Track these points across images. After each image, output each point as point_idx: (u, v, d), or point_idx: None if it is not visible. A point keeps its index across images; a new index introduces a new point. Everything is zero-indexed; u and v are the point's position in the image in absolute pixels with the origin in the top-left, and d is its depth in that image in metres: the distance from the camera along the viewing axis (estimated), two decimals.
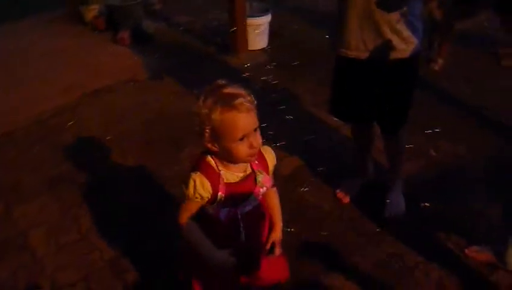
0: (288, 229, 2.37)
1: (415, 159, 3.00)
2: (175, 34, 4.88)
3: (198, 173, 1.58)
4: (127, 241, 2.58)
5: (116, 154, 3.21)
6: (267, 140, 3.12)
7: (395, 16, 2.07)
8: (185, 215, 1.69)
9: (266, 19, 4.40)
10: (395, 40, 2.12)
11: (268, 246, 1.81)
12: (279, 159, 2.98)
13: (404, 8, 2.07)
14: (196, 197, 1.60)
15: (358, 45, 2.17)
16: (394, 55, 2.16)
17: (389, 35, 2.11)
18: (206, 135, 1.52)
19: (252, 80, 3.97)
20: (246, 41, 4.35)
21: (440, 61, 4.02)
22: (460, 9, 3.68)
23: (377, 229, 2.58)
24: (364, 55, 2.18)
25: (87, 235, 2.63)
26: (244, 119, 1.48)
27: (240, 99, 1.47)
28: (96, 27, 5.10)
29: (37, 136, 3.47)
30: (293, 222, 2.52)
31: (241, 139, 1.50)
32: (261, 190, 1.70)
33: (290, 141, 3.19)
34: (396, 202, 2.66)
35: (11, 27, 5.19)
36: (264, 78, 3.98)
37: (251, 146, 1.52)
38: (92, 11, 5.15)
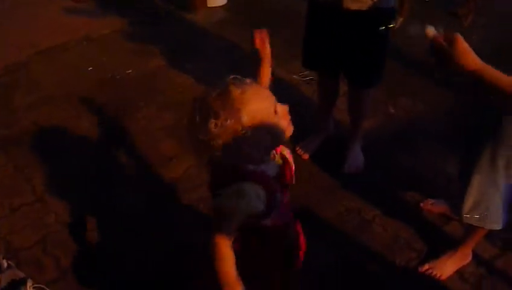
0: None
1: (373, 115, 3.01)
2: None
3: (246, 182, 1.29)
4: (83, 203, 2.53)
5: (70, 115, 3.10)
6: None
7: None
8: (226, 243, 1.26)
9: None
10: None
11: None
12: None
13: None
14: (247, 213, 1.30)
15: None
16: (357, 5, 2.16)
17: None
18: (245, 146, 1.25)
19: (211, 38, 3.88)
20: None
21: (400, 19, 3.99)
22: None
23: (336, 184, 2.61)
24: (341, 2, 2.17)
25: (42, 197, 2.57)
26: (263, 91, 1.34)
27: (237, 89, 1.25)
28: None
29: None
30: None
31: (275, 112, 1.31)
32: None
33: None
34: (355, 157, 2.69)
35: None
36: (223, 36, 3.90)
37: (284, 113, 1.35)
38: None
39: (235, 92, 1.24)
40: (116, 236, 2.39)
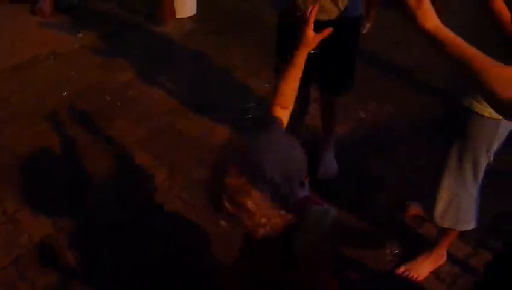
0: None
1: (345, 121, 3.05)
2: (99, 3, 4.65)
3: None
4: (58, 221, 2.49)
5: (40, 132, 3.05)
6: (198, 110, 3.11)
7: None
8: None
9: None
10: (327, 3, 2.16)
11: None
12: (210, 128, 2.98)
13: None
14: None
15: (301, 4, 2.19)
16: (326, 16, 2.19)
17: None
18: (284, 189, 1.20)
19: (181, 48, 3.88)
20: (173, 9, 4.22)
21: (368, 25, 4.06)
22: None
23: (311, 191, 2.61)
24: (303, 15, 2.19)
25: (14, 217, 2.51)
26: (272, 135, 1.30)
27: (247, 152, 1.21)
28: None
29: None
30: None
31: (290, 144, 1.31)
32: None
33: (223, 108, 3.16)
34: (329, 164, 2.72)
35: None
36: (193, 46, 3.90)
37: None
38: None
39: (248, 156, 1.19)
40: (95, 249, 2.36)
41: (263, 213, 1.17)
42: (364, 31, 4.03)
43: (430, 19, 1.16)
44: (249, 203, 1.15)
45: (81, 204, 2.59)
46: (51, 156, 2.89)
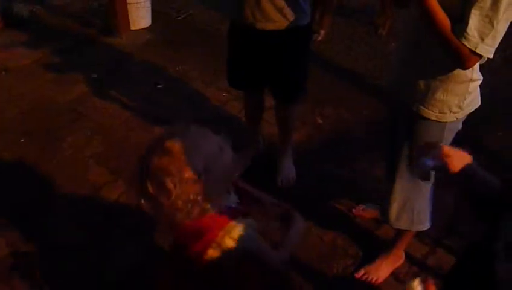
0: None
1: (302, 127, 3.08)
2: (52, 17, 4.54)
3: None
4: (9, 242, 2.40)
5: None
6: (155, 122, 3.07)
7: None
8: None
9: None
10: (272, 12, 2.18)
11: None
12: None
13: None
14: None
15: (249, 14, 2.20)
16: (273, 26, 2.21)
17: (268, 7, 2.16)
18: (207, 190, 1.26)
19: (136, 60, 3.84)
20: (127, 21, 4.16)
21: (322, 32, 4.13)
22: None
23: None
24: (255, 24, 2.23)
25: None
26: (201, 132, 1.36)
27: (175, 141, 1.24)
28: None
29: None
30: None
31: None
32: None
33: (179, 119, 3.12)
34: (287, 170, 2.73)
35: None
36: (148, 58, 3.86)
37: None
38: None
39: (175, 144, 1.22)
40: (54, 270, 2.31)
41: (181, 196, 1.20)
42: (319, 38, 4.11)
43: None
44: (169, 182, 1.19)
45: (38, 225, 2.51)
46: (4, 175, 2.79)
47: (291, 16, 2.19)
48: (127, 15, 4.14)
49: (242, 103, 3.12)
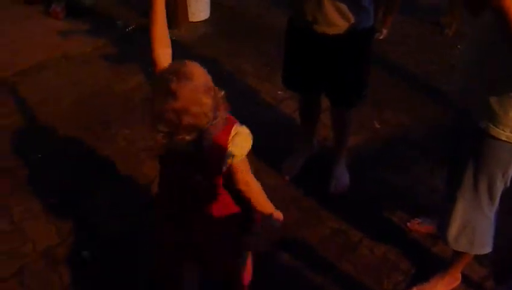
0: None
1: (359, 131, 2.97)
2: (112, 6, 4.62)
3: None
4: (61, 231, 2.45)
5: (48, 137, 3.02)
6: None
7: None
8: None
9: None
10: (335, 16, 2.08)
11: None
12: None
13: None
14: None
15: (310, 17, 2.12)
16: (334, 30, 2.12)
17: (330, 11, 2.06)
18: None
19: (193, 53, 3.82)
20: (186, 13, 4.17)
21: (384, 31, 3.99)
22: None
23: (321, 205, 2.55)
24: (316, 27, 2.14)
25: (20, 225, 2.48)
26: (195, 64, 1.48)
27: (183, 68, 1.40)
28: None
29: None
30: None
31: None
32: None
33: (232, 114, 3.08)
34: (341, 176, 2.64)
35: None
36: (205, 50, 3.84)
37: None
38: None
39: (192, 69, 1.38)
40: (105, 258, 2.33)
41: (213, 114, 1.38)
42: (381, 37, 3.97)
43: None
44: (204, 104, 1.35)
45: (87, 213, 2.55)
46: (57, 163, 2.84)
47: (354, 19, 2.08)
48: (186, 8, 4.15)
49: (297, 102, 3.05)
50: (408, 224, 2.43)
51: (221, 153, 1.48)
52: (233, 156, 1.49)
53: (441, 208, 2.03)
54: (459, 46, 3.64)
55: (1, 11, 4.49)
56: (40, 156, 2.88)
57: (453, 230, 1.89)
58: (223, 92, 1.44)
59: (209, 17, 4.31)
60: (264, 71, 3.53)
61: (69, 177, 2.76)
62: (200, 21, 4.27)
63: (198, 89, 1.34)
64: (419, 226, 2.41)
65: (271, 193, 2.59)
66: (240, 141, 1.49)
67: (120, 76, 3.57)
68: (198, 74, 1.37)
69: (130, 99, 3.34)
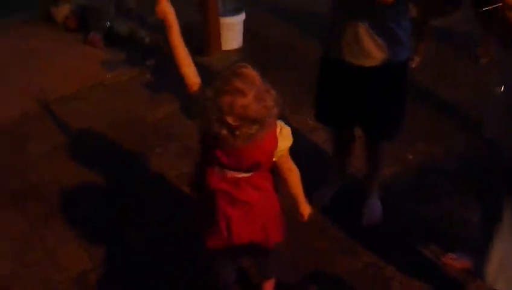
0: None
1: (391, 162, 2.93)
2: (150, 35, 4.73)
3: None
4: (93, 257, 2.48)
5: (84, 165, 3.08)
6: None
7: (377, 25, 2.03)
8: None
9: (240, 18, 4.29)
10: (373, 49, 2.08)
11: None
12: None
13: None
14: None
15: (346, 50, 2.12)
16: (372, 62, 2.11)
17: (368, 45, 2.07)
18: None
19: None
20: (219, 42, 4.24)
21: (417, 59, 3.96)
22: (436, 6, 3.62)
23: (353, 238, 2.51)
24: (352, 60, 2.13)
25: (53, 252, 2.53)
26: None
27: (246, 71, 1.59)
28: (68, 27, 4.92)
29: (3, 145, 3.32)
30: None
31: None
32: None
33: None
34: (374, 208, 2.60)
35: None
36: None
37: None
38: (63, 11, 4.98)
39: (248, 73, 1.56)
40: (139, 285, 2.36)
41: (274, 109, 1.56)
42: (414, 65, 3.93)
43: None
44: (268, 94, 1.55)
45: (120, 239, 2.58)
46: (91, 190, 2.90)
47: (392, 51, 2.08)
48: (219, 36, 4.21)
49: (328, 132, 3.04)
50: (443, 259, 2.37)
51: (272, 146, 1.67)
52: (281, 149, 1.70)
53: (476, 244, 1.98)
54: (494, 78, 3.57)
55: (42, 38, 4.66)
56: (74, 183, 2.95)
57: (491, 268, 1.84)
58: (275, 93, 1.58)
59: (241, 46, 4.37)
60: (295, 100, 3.54)
61: (102, 205, 2.80)
62: (233, 49, 4.33)
63: (260, 88, 1.53)
64: (454, 262, 2.35)
65: (301, 223, 2.59)
66: (286, 135, 1.70)
67: (154, 105, 3.64)
68: (256, 75, 1.56)
69: (163, 128, 3.39)
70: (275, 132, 1.66)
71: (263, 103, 1.51)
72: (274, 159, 1.72)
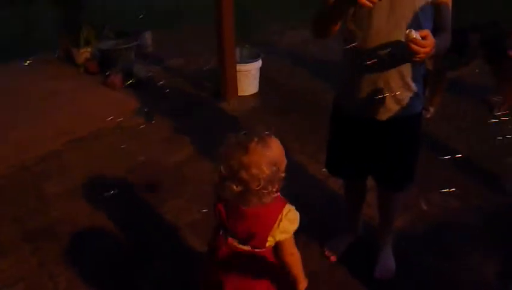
0: None
1: (405, 212, 2.90)
2: (166, 78, 4.86)
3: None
4: None
5: (98, 206, 3.11)
6: None
7: (395, 78, 2.04)
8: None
9: (257, 64, 4.39)
10: (390, 103, 2.09)
11: None
12: None
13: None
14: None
15: (363, 106, 2.13)
16: (388, 115, 2.12)
17: (388, 98, 2.07)
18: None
19: (241, 126, 3.91)
20: (236, 87, 4.33)
21: (431, 109, 3.99)
22: (451, 58, 3.67)
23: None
24: (363, 114, 2.15)
25: None
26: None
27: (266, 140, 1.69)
28: (88, 70, 5.08)
29: (21, 184, 3.37)
30: None
31: None
32: None
33: (281, 193, 3.09)
34: (386, 261, 2.56)
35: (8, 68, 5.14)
36: (250, 124, 3.93)
37: None
38: (84, 54, 5.15)
39: (270, 142, 1.67)
40: None
41: (265, 184, 1.60)
42: (428, 116, 3.96)
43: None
44: (264, 170, 1.60)
45: (130, 285, 2.57)
46: (105, 234, 2.91)
47: (407, 104, 2.09)
48: (236, 82, 4.30)
49: (341, 181, 3.05)
50: None
51: (271, 221, 1.69)
52: (286, 231, 1.71)
53: None
54: (510, 126, 3.58)
55: (66, 82, 4.80)
56: (87, 224, 2.97)
57: None
58: (283, 175, 1.66)
59: (257, 91, 4.44)
60: (310, 147, 3.56)
61: (113, 248, 2.81)
62: (249, 95, 4.40)
63: (265, 158, 1.59)
64: None
65: (313, 276, 2.56)
66: (293, 218, 1.71)
67: (170, 148, 3.69)
68: (275, 148, 1.64)
69: (178, 172, 3.42)
70: (278, 210, 1.69)
71: (258, 173, 1.58)
72: (277, 239, 1.72)
